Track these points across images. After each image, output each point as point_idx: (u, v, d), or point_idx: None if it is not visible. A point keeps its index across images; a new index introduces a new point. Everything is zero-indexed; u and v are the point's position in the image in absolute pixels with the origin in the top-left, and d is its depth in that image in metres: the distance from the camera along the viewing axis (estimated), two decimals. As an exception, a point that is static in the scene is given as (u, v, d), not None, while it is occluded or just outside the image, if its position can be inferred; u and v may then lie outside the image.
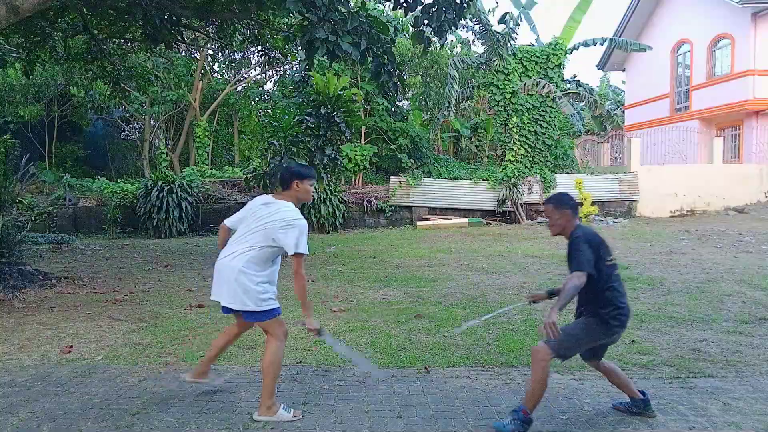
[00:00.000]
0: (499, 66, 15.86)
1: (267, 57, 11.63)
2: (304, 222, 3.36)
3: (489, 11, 18.20)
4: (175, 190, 14.13)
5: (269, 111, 21.68)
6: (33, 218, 12.54)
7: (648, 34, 21.40)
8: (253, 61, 21.70)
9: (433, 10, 7.07)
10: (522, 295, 6.59)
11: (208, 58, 21.51)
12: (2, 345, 4.83)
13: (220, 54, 21.51)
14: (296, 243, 3.28)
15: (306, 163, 9.79)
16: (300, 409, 3.42)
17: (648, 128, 19.84)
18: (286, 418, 3.26)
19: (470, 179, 15.94)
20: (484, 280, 7.56)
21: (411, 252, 10.27)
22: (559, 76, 16.25)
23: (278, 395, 3.66)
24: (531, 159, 15.84)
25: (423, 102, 21.74)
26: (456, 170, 16.96)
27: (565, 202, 3.29)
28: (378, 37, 7.00)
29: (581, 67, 59.17)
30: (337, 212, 14.59)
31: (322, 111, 9.69)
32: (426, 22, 7.21)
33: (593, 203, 14.91)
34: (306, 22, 6.41)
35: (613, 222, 14.40)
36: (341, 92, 9.91)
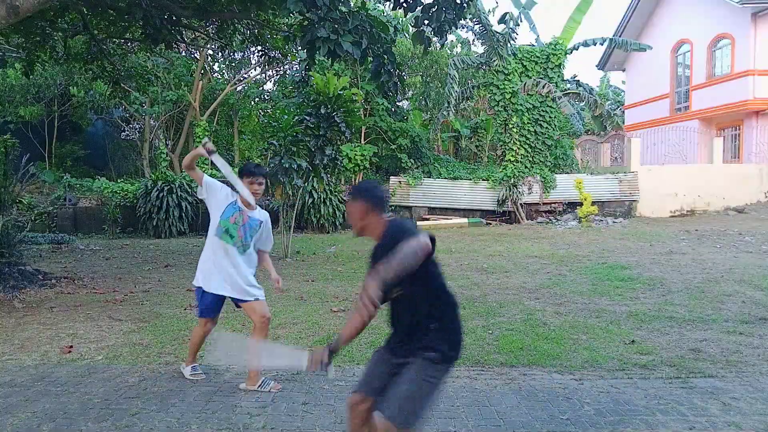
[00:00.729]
0: (499, 66, 15.86)
1: (267, 57, 11.63)
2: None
3: (489, 11, 18.20)
4: (175, 190, 14.13)
5: (269, 111, 21.70)
6: (33, 218, 12.53)
7: (648, 34, 21.40)
8: (253, 61, 21.70)
9: (433, 10, 7.06)
10: (522, 294, 6.59)
11: (208, 58, 21.50)
12: (2, 345, 4.83)
13: (220, 54, 21.50)
14: None
15: (306, 163, 9.79)
16: (300, 409, 3.42)
17: (648, 128, 19.84)
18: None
19: (470, 179, 15.94)
20: (484, 280, 7.56)
21: (411, 252, 10.25)
22: (559, 76, 16.25)
23: (279, 395, 3.66)
24: (531, 159, 15.83)
25: (423, 102, 21.74)
26: (456, 170, 16.97)
27: (360, 192, 2.44)
28: (378, 36, 7.00)
29: (581, 67, 59.19)
30: (337, 212, 14.58)
31: (322, 111, 9.67)
32: (426, 22, 7.21)
33: (593, 203, 14.91)
34: (306, 22, 6.40)
35: (613, 222, 14.40)
36: (341, 92, 9.90)
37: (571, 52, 16.46)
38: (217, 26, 10.22)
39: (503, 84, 15.87)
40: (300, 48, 9.65)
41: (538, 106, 15.80)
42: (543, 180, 15.62)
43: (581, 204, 14.87)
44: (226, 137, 23.73)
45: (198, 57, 20.27)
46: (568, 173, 16.48)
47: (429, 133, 19.06)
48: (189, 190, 14.48)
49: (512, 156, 15.77)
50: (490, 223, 15.30)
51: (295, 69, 20.98)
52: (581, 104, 18.40)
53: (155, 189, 14.07)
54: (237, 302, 3.79)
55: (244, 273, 3.71)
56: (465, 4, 7.25)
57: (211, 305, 3.77)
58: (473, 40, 19.84)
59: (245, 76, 22.75)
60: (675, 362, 4.19)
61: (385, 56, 7.17)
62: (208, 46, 17.44)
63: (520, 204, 15.46)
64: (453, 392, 3.68)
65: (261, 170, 3.79)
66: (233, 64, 22.64)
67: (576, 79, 19.65)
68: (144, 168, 19.49)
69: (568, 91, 17.29)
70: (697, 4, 19.30)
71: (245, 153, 22.83)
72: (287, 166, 9.46)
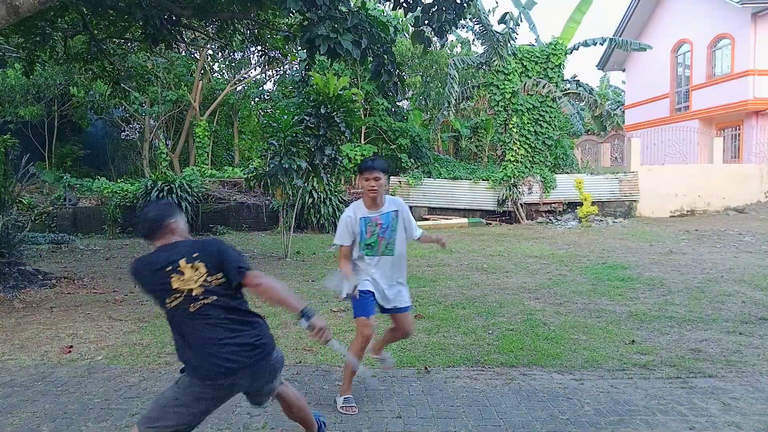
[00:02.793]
0: (499, 66, 15.85)
1: (267, 57, 11.64)
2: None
3: (489, 11, 18.13)
4: (175, 190, 14.13)
5: (269, 111, 21.71)
6: (33, 218, 12.54)
7: (648, 34, 21.40)
8: (253, 61, 21.71)
9: (433, 10, 7.06)
10: (522, 294, 6.59)
11: (208, 58, 21.51)
12: (2, 345, 4.83)
13: (220, 54, 21.51)
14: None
15: (306, 163, 9.78)
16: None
17: (648, 128, 19.84)
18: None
19: (470, 179, 15.94)
20: (485, 280, 7.56)
21: (411, 252, 10.19)
22: (559, 76, 16.24)
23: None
24: (531, 159, 15.83)
25: (423, 102, 21.75)
26: (456, 170, 16.97)
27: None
28: (378, 36, 7.00)
29: (581, 67, 59.22)
30: (337, 212, 14.56)
31: (322, 111, 9.66)
32: (426, 22, 7.21)
33: (593, 203, 14.92)
34: (306, 22, 6.40)
35: (613, 222, 14.40)
36: (341, 92, 9.89)
37: (571, 52, 16.46)
38: (217, 26, 10.23)
39: (503, 84, 15.86)
40: (300, 47, 9.64)
41: (538, 106, 15.80)
42: (543, 180, 15.61)
43: (581, 204, 14.87)
44: (226, 137, 23.74)
45: (198, 57, 20.27)
46: (568, 173, 16.48)
47: (429, 133, 19.06)
48: (189, 189, 14.49)
49: (512, 156, 15.77)
50: (490, 223, 15.30)
51: (295, 69, 20.99)
52: (581, 104, 18.39)
53: (155, 189, 14.07)
54: (386, 310, 3.55)
55: (397, 280, 3.53)
56: (465, 4, 7.25)
57: (365, 302, 3.40)
58: (473, 40, 19.85)
59: (245, 76, 22.76)
60: (675, 362, 4.18)
61: (385, 56, 7.17)
62: (208, 46, 17.46)
63: (520, 204, 15.47)
64: (453, 392, 3.68)
65: (371, 164, 3.41)
66: (233, 64, 22.65)
67: (576, 79, 19.62)
68: (144, 168, 19.49)
69: (568, 91, 17.29)
70: (697, 4, 19.30)
71: (245, 153, 22.85)
72: (287, 166, 9.45)
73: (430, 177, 16.31)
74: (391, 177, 16.37)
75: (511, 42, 15.80)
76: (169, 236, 2.47)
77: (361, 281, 3.41)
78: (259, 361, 2.42)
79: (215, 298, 2.38)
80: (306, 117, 9.73)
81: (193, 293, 2.35)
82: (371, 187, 3.37)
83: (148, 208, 2.53)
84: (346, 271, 3.37)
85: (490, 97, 16.74)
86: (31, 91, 17.24)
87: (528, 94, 15.78)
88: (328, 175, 11.23)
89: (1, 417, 3.34)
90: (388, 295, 3.49)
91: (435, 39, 8.25)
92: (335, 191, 14.65)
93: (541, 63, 16.08)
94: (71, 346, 4.74)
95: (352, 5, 7.06)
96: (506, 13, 15.14)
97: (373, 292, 3.44)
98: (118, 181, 16.12)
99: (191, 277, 2.36)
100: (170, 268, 2.36)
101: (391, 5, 7.35)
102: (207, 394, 2.37)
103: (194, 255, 2.39)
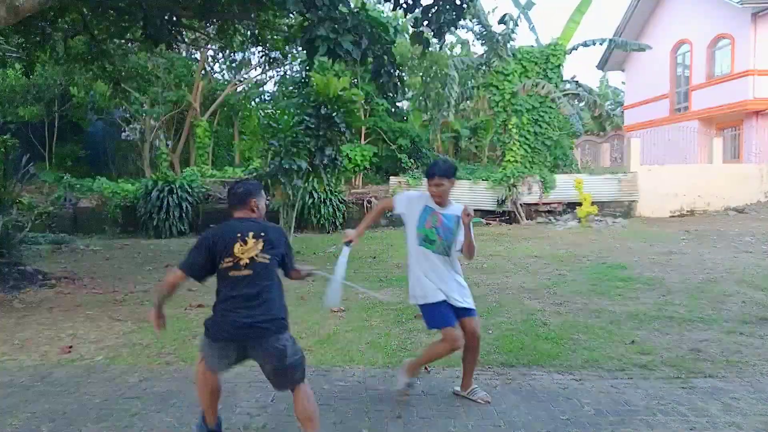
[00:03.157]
0: (499, 67, 15.85)
1: (267, 57, 11.65)
2: None
3: (489, 12, 18.22)
4: (175, 191, 14.12)
5: (269, 111, 21.68)
6: (33, 218, 12.49)
7: (648, 34, 21.40)
8: (254, 62, 21.72)
9: (433, 11, 7.07)
10: (522, 294, 6.59)
11: (208, 58, 21.51)
12: (2, 345, 4.83)
13: (220, 54, 21.51)
14: None
15: (306, 164, 9.78)
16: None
17: (648, 128, 19.83)
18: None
19: (470, 179, 15.92)
20: (484, 280, 7.56)
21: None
22: (558, 76, 16.24)
23: (279, 395, 3.66)
24: (530, 159, 15.82)
25: (423, 102, 21.74)
26: (456, 170, 16.93)
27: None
28: (378, 37, 7.00)
29: (581, 67, 59.18)
30: (337, 212, 14.58)
31: (322, 111, 9.67)
32: (425, 23, 7.21)
33: (593, 203, 14.90)
34: (306, 23, 6.41)
35: (613, 222, 14.40)
36: (341, 93, 9.89)
37: (571, 53, 16.46)
38: (218, 27, 10.23)
39: (503, 84, 15.86)
40: (300, 48, 9.65)
41: (537, 107, 15.79)
42: (542, 180, 15.61)
43: (581, 204, 14.87)
44: (226, 138, 23.74)
45: (198, 57, 20.28)
46: (567, 173, 16.47)
47: (429, 133, 19.06)
48: (189, 190, 14.49)
49: (512, 156, 15.77)
50: (490, 223, 15.29)
51: (295, 69, 21.01)
52: (581, 104, 18.40)
53: (155, 189, 14.06)
54: (459, 315, 3.46)
55: (456, 278, 3.48)
56: (465, 5, 7.26)
57: (445, 312, 3.38)
58: (473, 41, 19.83)
59: (245, 76, 22.76)
60: (675, 362, 4.18)
61: (385, 57, 7.18)
62: (209, 46, 17.45)
63: (520, 204, 15.46)
64: (453, 392, 3.68)
65: (433, 170, 3.41)
66: (233, 65, 22.64)
67: (575, 79, 19.63)
68: (144, 168, 19.49)
69: (568, 92, 17.29)
70: (697, 4, 19.30)
71: (245, 153, 22.83)
72: (287, 166, 9.46)
73: (430, 177, 16.28)
74: (391, 177, 16.38)
75: (511, 43, 15.81)
76: (247, 212, 2.92)
77: (433, 292, 3.39)
78: (259, 338, 2.74)
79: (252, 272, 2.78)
80: (306, 117, 9.73)
81: (241, 262, 2.76)
82: (434, 193, 3.41)
83: (239, 184, 3.02)
84: (364, 223, 3.79)
85: (489, 97, 16.75)
86: (31, 91, 17.25)
87: (527, 95, 15.78)
88: (329, 176, 11.26)
89: (1, 417, 3.34)
90: (456, 297, 3.43)
91: (434, 40, 8.23)
92: (335, 192, 14.65)
93: (541, 63, 16.08)
94: (71, 346, 4.74)
95: (352, 6, 7.06)
96: (506, 14, 15.15)
97: (446, 301, 3.39)
98: (119, 181, 16.11)
99: (249, 249, 2.78)
100: (239, 236, 2.78)
101: (391, 6, 7.35)
102: (215, 352, 2.82)
103: (261, 234, 2.83)
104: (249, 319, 2.72)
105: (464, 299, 3.46)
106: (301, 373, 2.85)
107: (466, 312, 3.48)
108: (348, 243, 3.60)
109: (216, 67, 23.55)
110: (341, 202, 14.84)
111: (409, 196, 3.60)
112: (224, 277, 2.78)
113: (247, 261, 2.76)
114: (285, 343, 2.78)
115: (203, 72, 20.83)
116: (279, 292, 2.91)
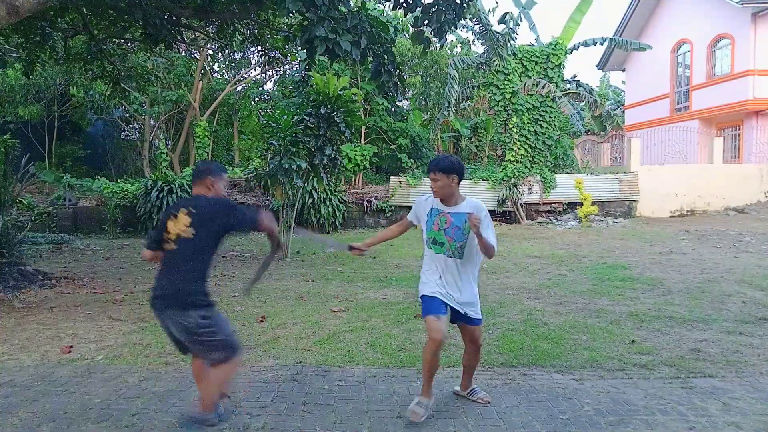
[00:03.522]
0: (499, 66, 15.85)
1: (267, 57, 11.63)
2: None
3: (489, 11, 18.08)
4: (175, 191, 14.12)
5: (269, 111, 21.69)
6: (33, 218, 12.52)
7: (648, 34, 21.40)
8: (253, 61, 21.71)
9: (433, 10, 7.05)
10: (522, 294, 6.59)
11: (208, 58, 21.51)
12: (2, 345, 4.83)
13: (220, 54, 21.51)
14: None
15: (306, 163, 9.78)
16: (300, 409, 3.42)
17: (648, 128, 19.84)
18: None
19: (470, 179, 15.92)
20: (485, 280, 7.56)
21: (411, 252, 10.26)
22: (559, 76, 16.24)
23: (278, 395, 3.66)
24: (531, 159, 15.83)
25: (423, 102, 21.75)
26: (456, 170, 16.92)
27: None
28: (378, 36, 6.99)
29: (581, 67, 59.20)
30: (337, 212, 14.59)
31: (322, 111, 9.67)
32: (426, 22, 7.21)
33: (593, 203, 14.91)
34: (306, 22, 6.40)
35: (613, 222, 14.41)
36: (341, 92, 9.89)
37: (571, 52, 16.46)
38: (217, 26, 10.22)
39: (503, 84, 15.87)
40: (299, 48, 9.64)
41: (538, 106, 15.80)
42: (543, 180, 15.61)
43: (581, 204, 14.87)
44: (226, 137, 23.75)
45: (198, 57, 20.27)
46: (568, 173, 16.48)
47: (429, 133, 19.05)
48: (189, 190, 14.49)
49: (512, 156, 15.77)
50: (490, 223, 15.28)
51: (295, 69, 20.99)
52: (581, 104, 18.38)
53: (155, 189, 14.07)
54: (459, 319, 3.44)
55: (468, 284, 3.44)
56: (465, 5, 7.24)
57: (434, 303, 3.29)
58: (473, 40, 19.82)
59: (245, 76, 22.76)
60: (675, 362, 4.18)
61: (385, 56, 7.17)
62: (208, 46, 17.45)
63: (520, 204, 15.46)
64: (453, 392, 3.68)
65: (432, 164, 3.32)
66: (233, 64, 22.65)
67: (576, 79, 19.64)
68: (144, 168, 19.49)
69: (568, 91, 17.29)
70: (697, 4, 19.30)
71: (245, 153, 22.86)
72: (287, 166, 9.45)
73: (430, 177, 16.28)
74: (391, 177, 16.38)
75: (511, 42, 15.80)
76: (204, 189, 2.98)
77: (431, 286, 3.36)
78: (164, 309, 2.83)
79: (176, 247, 2.85)
80: (306, 117, 9.73)
81: (170, 236, 2.84)
82: (432, 188, 3.33)
83: (203, 162, 3.12)
84: (378, 236, 3.85)
85: (490, 97, 16.74)
86: (31, 91, 17.24)
87: (528, 94, 15.78)
88: (328, 175, 11.24)
89: (1, 417, 3.34)
90: (459, 300, 3.38)
91: (434, 39, 8.23)
92: (335, 191, 14.66)
93: (541, 63, 16.08)
94: (71, 346, 4.74)
95: (351, 5, 7.06)
96: (506, 13, 15.14)
97: (440, 298, 3.32)
98: (118, 181, 16.12)
99: (178, 223, 2.84)
100: (173, 211, 2.88)
101: (391, 5, 7.34)
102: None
103: (191, 209, 2.86)
104: (158, 291, 2.83)
105: (464, 309, 3.41)
106: (219, 357, 2.84)
107: (468, 320, 3.45)
108: (350, 248, 3.61)
109: (215, 67, 23.57)
110: (341, 202, 14.84)
111: (418, 201, 3.55)
112: (164, 250, 2.89)
113: (174, 236, 2.83)
114: (191, 321, 2.75)
115: (203, 71, 20.84)
116: (199, 268, 2.87)
